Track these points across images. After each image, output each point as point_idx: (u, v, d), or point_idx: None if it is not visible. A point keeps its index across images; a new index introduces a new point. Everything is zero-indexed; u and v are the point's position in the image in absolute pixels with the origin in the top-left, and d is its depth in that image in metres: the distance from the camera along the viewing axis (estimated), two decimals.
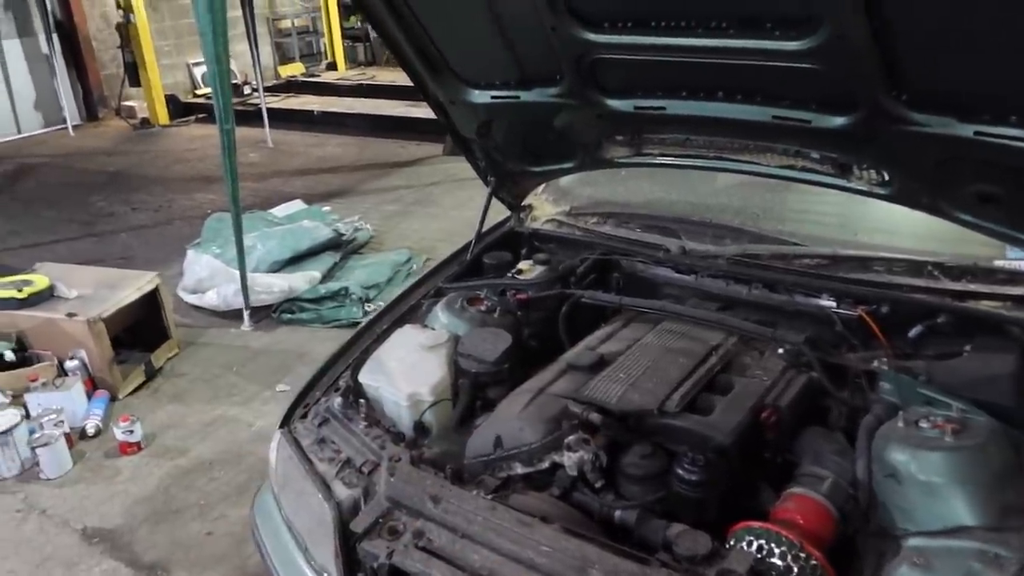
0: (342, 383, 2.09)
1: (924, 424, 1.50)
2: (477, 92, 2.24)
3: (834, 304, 2.03)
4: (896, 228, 2.18)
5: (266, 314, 4.63)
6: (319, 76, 12.28)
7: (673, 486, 1.59)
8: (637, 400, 1.76)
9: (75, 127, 10.01)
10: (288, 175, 7.88)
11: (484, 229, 2.69)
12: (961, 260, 1.98)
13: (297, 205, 6.28)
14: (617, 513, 1.60)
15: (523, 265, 2.51)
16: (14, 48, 9.85)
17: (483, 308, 2.29)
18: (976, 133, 1.55)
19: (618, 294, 2.38)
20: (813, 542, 1.40)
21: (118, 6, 9.79)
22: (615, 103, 2.06)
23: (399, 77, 11.88)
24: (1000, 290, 1.88)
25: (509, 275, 2.46)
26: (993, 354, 1.73)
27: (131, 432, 3.35)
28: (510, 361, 2.08)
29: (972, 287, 1.92)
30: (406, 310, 2.41)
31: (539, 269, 2.49)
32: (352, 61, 13.32)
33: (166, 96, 10.36)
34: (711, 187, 2.52)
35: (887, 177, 1.89)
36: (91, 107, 10.58)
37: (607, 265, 2.47)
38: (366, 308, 4.55)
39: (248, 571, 2.73)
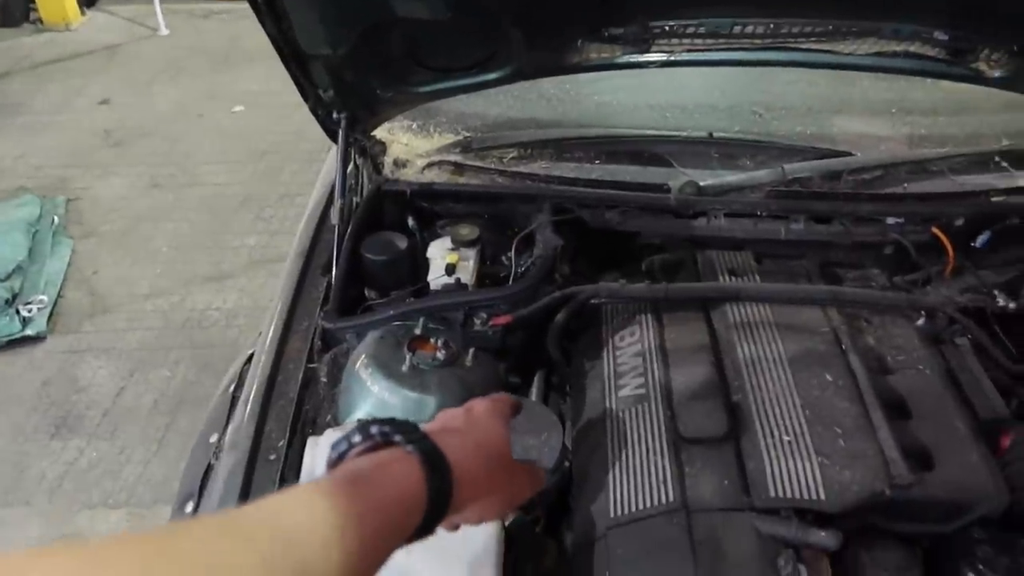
0: None
1: None
2: None
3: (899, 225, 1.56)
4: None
5: None
6: None
7: None
8: (851, 480, 1.10)
9: None
10: None
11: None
12: None
13: None
14: None
15: (448, 255, 1.54)
16: None
17: (440, 355, 1.33)
18: None
19: (572, 260, 1.60)
20: None
21: None
22: None
23: None
24: None
25: (443, 276, 1.49)
26: None
27: None
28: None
29: None
30: (295, 395, 1.32)
31: (472, 255, 1.56)
32: None
33: None
34: (668, 79, 1.76)
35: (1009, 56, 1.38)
36: None
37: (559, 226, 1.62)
38: (24, 313, 2.92)
39: None
